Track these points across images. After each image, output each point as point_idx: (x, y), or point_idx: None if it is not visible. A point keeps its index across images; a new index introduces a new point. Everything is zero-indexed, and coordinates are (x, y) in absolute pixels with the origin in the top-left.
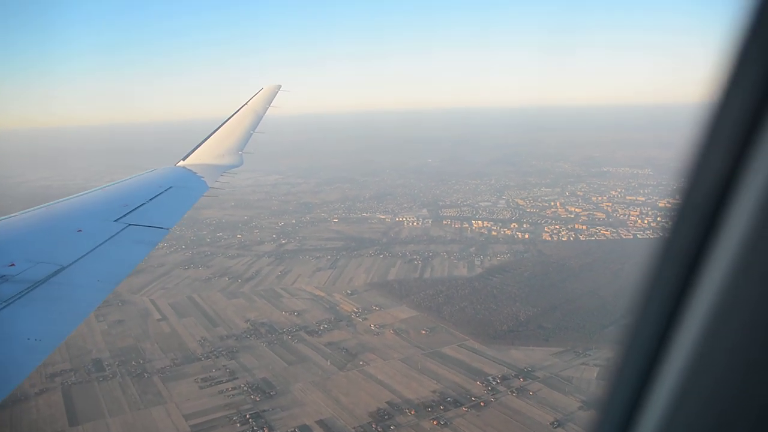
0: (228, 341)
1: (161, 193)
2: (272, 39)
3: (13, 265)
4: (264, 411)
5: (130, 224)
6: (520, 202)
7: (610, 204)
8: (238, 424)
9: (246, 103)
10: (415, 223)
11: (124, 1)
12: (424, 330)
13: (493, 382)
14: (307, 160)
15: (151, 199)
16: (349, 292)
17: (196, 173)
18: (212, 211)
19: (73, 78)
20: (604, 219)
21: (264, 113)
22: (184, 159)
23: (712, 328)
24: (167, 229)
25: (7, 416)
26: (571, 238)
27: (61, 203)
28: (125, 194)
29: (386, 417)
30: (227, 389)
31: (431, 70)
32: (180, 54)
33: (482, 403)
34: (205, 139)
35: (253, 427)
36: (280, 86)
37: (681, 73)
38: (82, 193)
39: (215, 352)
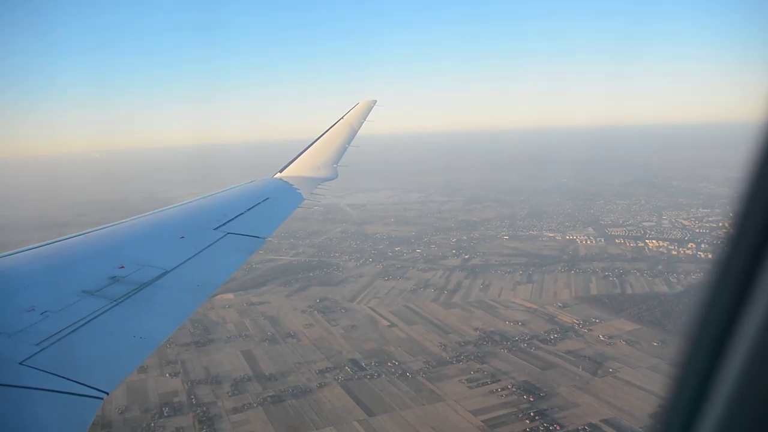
0: (467, 347)
1: (258, 203)
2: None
3: (122, 267)
4: (544, 410)
5: (228, 233)
6: (685, 222)
7: None
8: (527, 421)
9: (342, 117)
10: (587, 242)
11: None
12: (655, 342)
13: None
14: (439, 179)
15: (248, 209)
16: (560, 305)
17: (292, 185)
18: (376, 227)
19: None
20: None
21: (359, 128)
22: (281, 171)
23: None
24: (263, 238)
25: (305, 405)
26: None
27: (166, 211)
28: (225, 204)
29: None
30: (496, 390)
31: (515, 91)
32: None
33: None
34: (302, 152)
35: (543, 424)
36: (375, 101)
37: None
38: (185, 202)
39: (462, 357)
